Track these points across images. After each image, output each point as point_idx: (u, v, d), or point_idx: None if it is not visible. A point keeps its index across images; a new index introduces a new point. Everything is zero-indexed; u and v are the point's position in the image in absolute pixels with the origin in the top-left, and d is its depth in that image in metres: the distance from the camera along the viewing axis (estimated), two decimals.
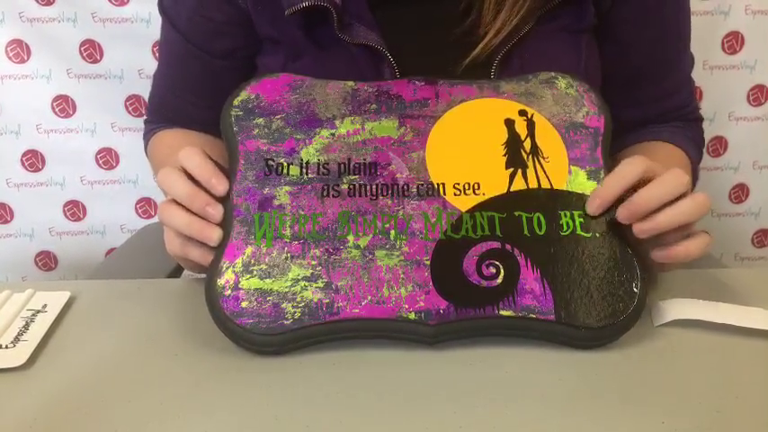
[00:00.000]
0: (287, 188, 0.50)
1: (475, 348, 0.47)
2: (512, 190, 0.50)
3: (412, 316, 0.46)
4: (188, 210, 0.49)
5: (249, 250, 0.48)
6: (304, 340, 0.46)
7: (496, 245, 0.48)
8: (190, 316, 0.52)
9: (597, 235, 0.49)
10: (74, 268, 1.26)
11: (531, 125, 0.53)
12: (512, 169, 0.51)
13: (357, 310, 0.46)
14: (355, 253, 0.48)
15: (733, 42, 1.21)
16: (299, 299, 0.46)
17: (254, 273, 0.47)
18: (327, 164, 0.51)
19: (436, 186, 0.50)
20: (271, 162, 0.51)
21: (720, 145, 1.28)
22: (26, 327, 0.50)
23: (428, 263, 0.47)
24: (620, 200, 0.48)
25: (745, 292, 0.54)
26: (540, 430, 0.39)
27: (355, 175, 0.51)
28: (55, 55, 1.14)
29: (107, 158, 1.22)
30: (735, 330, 0.48)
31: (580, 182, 0.51)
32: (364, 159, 0.51)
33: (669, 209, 0.47)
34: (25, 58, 1.14)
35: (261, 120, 0.53)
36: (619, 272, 0.48)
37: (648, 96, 0.71)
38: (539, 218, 0.49)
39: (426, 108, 0.54)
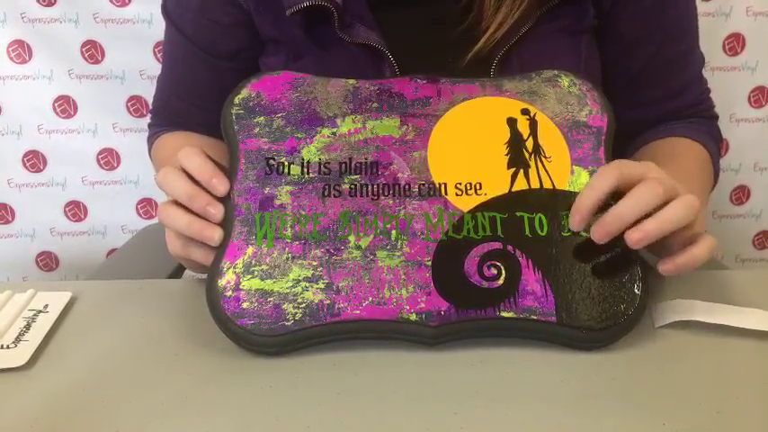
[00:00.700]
0: (288, 188, 0.50)
1: (476, 349, 0.47)
2: (513, 190, 0.50)
3: (413, 317, 0.46)
4: (188, 210, 0.49)
5: (250, 250, 0.48)
6: (305, 341, 0.46)
7: (498, 245, 0.48)
8: (191, 316, 0.52)
9: None
10: (75, 269, 1.26)
11: (533, 124, 0.53)
12: (514, 169, 0.51)
13: (358, 312, 0.46)
14: (356, 253, 0.48)
15: (734, 44, 1.21)
16: (299, 300, 0.46)
17: (255, 273, 0.47)
18: (328, 163, 0.51)
19: (438, 186, 0.50)
20: (272, 161, 0.51)
21: (722, 146, 1.27)
22: (27, 327, 0.50)
23: (429, 263, 0.47)
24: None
25: (745, 294, 0.54)
26: (541, 431, 0.39)
27: (356, 174, 0.51)
28: (56, 55, 1.15)
29: (108, 159, 1.22)
30: (735, 332, 0.48)
31: (582, 182, 0.51)
32: (365, 159, 0.51)
33: (656, 215, 0.45)
34: (27, 58, 1.14)
35: (262, 118, 0.53)
36: (620, 273, 0.47)
37: (653, 97, 0.71)
38: (540, 218, 0.49)
39: (428, 107, 0.53)
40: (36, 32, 1.13)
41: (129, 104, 1.19)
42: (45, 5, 1.12)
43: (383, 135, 0.52)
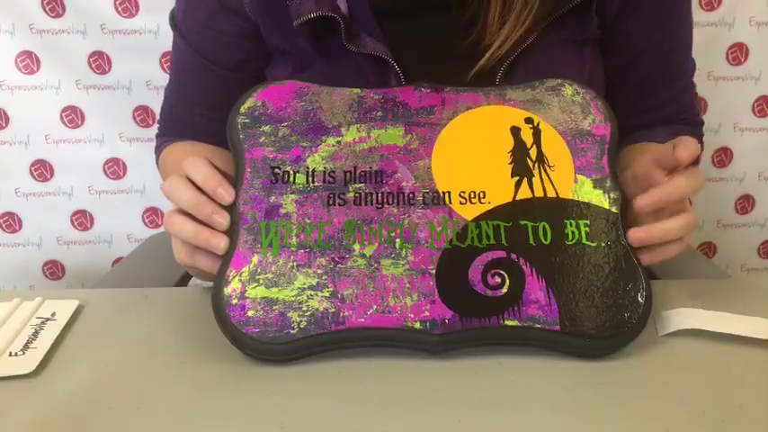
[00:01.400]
0: (293, 196, 0.50)
1: (480, 357, 0.47)
2: (517, 198, 0.50)
3: (417, 325, 0.46)
4: (195, 218, 0.50)
5: (255, 259, 0.48)
6: (310, 349, 0.46)
7: (502, 254, 0.48)
8: (197, 324, 0.52)
9: (603, 244, 0.49)
10: (81, 277, 1.27)
11: (536, 133, 0.53)
12: (517, 177, 0.51)
13: (363, 320, 0.46)
14: (361, 262, 0.48)
15: (737, 53, 1.21)
16: (305, 308, 0.46)
17: (261, 282, 0.47)
18: (333, 172, 0.51)
19: (442, 195, 0.50)
20: (277, 170, 0.51)
21: (725, 156, 1.28)
22: (35, 334, 0.50)
23: (433, 272, 0.48)
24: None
25: (749, 302, 0.54)
26: None
27: (361, 183, 0.51)
28: (64, 66, 1.16)
29: (114, 168, 1.23)
30: (739, 340, 0.48)
31: (586, 190, 0.51)
32: (370, 167, 0.52)
33: (662, 226, 0.49)
34: (35, 69, 1.15)
35: (267, 127, 0.53)
36: (624, 282, 0.48)
37: (652, 104, 0.72)
38: (544, 227, 0.49)
39: (432, 116, 0.54)
40: (44, 43, 1.14)
41: (135, 114, 1.20)
42: (53, 17, 1.13)
43: (388, 144, 0.53)
